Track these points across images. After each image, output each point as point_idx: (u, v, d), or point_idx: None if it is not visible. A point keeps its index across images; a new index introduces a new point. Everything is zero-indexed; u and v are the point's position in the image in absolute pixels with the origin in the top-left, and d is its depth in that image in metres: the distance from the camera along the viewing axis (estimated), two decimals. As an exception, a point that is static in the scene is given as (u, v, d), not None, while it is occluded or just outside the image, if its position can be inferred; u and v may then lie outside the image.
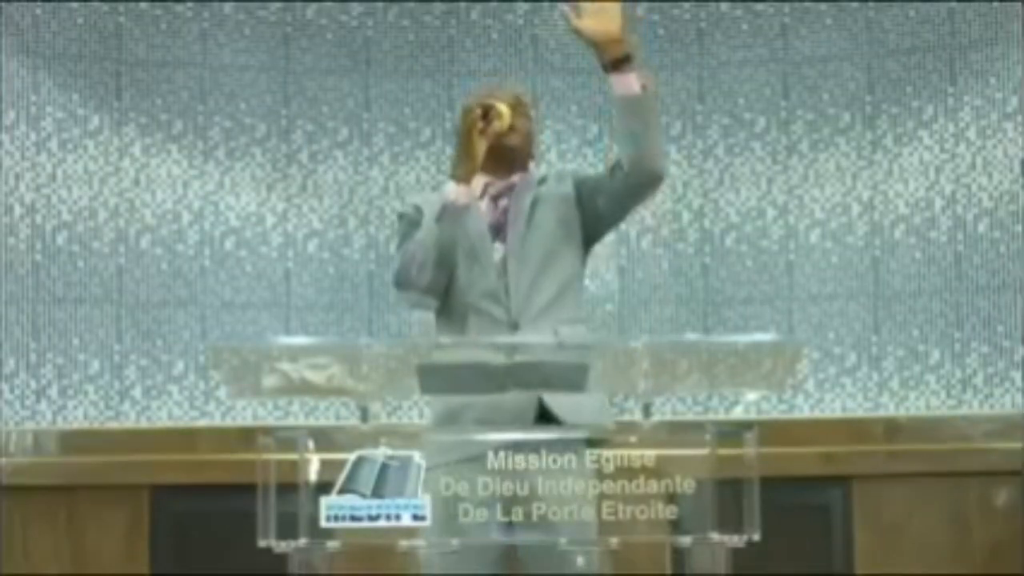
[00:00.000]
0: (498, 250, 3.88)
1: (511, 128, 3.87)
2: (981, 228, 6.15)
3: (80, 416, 6.13)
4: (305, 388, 3.08)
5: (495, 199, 3.94)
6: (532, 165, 4.04)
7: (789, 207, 6.39)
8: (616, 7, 3.77)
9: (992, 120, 6.13)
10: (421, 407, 5.81)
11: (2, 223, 6.12)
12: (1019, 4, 6.08)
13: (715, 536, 2.95)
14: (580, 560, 3.56)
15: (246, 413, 6.26)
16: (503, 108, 3.83)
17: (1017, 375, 6.02)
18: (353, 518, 2.97)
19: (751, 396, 5.52)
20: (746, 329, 6.23)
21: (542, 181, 3.98)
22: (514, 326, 3.79)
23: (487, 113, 3.80)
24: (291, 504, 2.95)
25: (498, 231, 3.89)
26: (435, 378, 3.28)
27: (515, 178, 3.95)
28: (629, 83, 3.78)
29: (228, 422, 6.20)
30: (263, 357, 3.08)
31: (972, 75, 6.19)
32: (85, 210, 6.23)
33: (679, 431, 3.06)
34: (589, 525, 3.03)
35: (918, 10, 6.26)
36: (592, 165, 6.45)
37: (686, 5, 6.47)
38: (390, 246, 6.35)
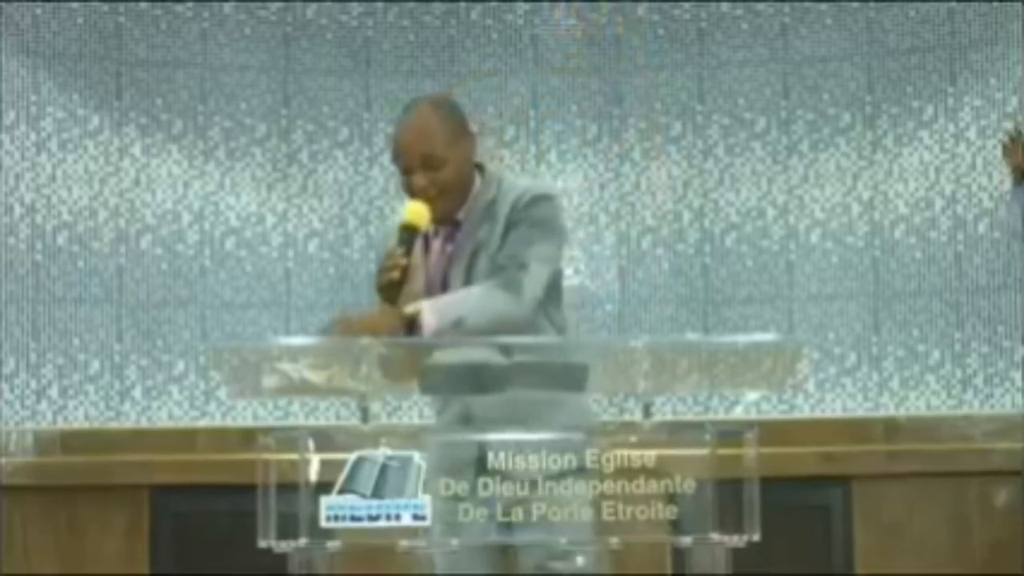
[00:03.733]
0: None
1: (425, 199, 3.59)
2: (981, 228, 6.15)
3: (80, 416, 6.13)
4: (305, 388, 3.07)
5: (446, 241, 3.71)
6: (477, 182, 3.71)
7: (789, 207, 6.39)
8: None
9: (992, 120, 6.14)
10: (421, 407, 5.81)
11: (2, 223, 6.12)
12: (1019, 4, 6.09)
13: (715, 536, 2.95)
14: (580, 560, 3.56)
15: (246, 413, 6.26)
16: (413, 217, 3.54)
17: (1017, 375, 6.02)
18: (353, 518, 2.97)
19: (751, 396, 5.53)
20: (746, 329, 6.23)
21: (489, 210, 3.68)
22: None
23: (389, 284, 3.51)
24: (291, 504, 2.95)
25: (445, 282, 3.69)
26: (435, 378, 3.28)
27: (460, 214, 3.69)
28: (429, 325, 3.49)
29: (228, 422, 6.20)
30: (263, 357, 3.08)
31: (972, 75, 6.20)
32: (85, 210, 6.23)
33: (679, 431, 3.06)
34: (589, 525, 3.03)
35: (918, 10, 6.27)
36: (592, 165, 6.45)
37: (686, 5, 6.47)
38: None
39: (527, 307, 3.55)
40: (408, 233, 3.53)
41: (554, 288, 3.67)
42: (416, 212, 3.56)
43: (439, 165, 3.61)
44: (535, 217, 3.65)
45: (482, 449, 3.06)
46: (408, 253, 3.50)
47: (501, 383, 3.31)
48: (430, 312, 3.44)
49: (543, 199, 3.68)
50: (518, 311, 3.53)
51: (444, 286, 3.67)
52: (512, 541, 3.18)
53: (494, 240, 3.65)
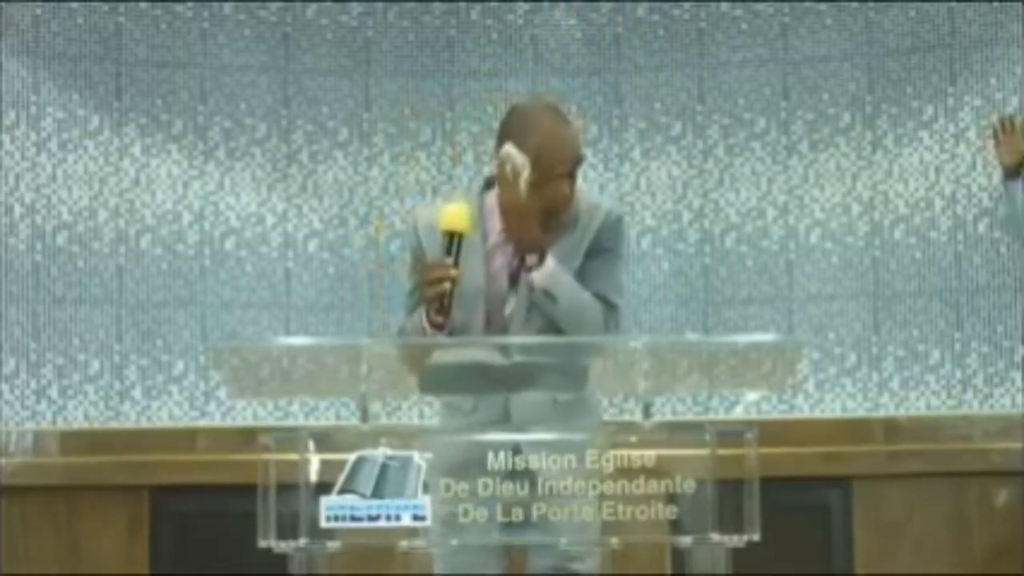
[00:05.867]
0: (509, 302, 3.67)
1: (562, 211, 3.62)
2: (981, 228, 6.15)
3: (80, 416, 6.13)
4: (305, 388, 3.07)
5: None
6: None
7: (789, 207, 6.39)
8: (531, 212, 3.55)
9: (992, 120, 6.13)
10: (421, 407, 5.81)
11: (2, 223, 6.12)
12: (1019, 4, 6.09)
13: (715, 536, 2.95)
14: (596, 561, 3.56)
15: (246, 413, 6.26)
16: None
17: (1017, 375, 6.02)
18: (353, 518, 2.97)
19: (751, 396, 5.53)
20: (746, 329, 6.23)
21: (567, 220, 3.68)
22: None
23: (441, 302, 3.49)
24: (291, 504, 2.95)
25: (514, 280, 3.66)
26: (435, 378, 3.28)
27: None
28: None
29: (228, 422, 6.20)
30: (263, 357, 3.08)
31: (972, 75, 6.19)
32: (85, 210, 6.23)
33: (679, 431, 3.06)
34: (589, 525, 3.03)
35: (918, 10, 6.27)
36: (592, 165, 6.45)
37: (686, 5, 6.47)
38: (391, 246, 6.35)
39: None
40: (453, 239, 3.50)
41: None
42: (458, 217, 3.51)
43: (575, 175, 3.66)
44: (619, 245, 3.73)
45: (495, 449, 3.06)
46: (456, 262, 3.48)
47: (500, 383, 3.31)
48: (548, 269, 3.54)
49: (623, 222, 3.77)
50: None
51: (512, 283, 3.65)
52: (514, 542, 3.18)
53: (574, 254, 3.64)
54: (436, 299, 3.47)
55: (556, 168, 3.59)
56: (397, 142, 6.50)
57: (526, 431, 3.14)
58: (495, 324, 3.65)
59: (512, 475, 3.01)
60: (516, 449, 3.03)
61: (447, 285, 3.46)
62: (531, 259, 3.57)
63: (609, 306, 3.64)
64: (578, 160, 3.66)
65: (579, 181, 3.70)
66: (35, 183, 6.19)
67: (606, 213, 3.70)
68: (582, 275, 3.64)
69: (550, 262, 3.57)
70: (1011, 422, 5.82)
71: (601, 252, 3.67)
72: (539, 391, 3.47)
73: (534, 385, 3.34)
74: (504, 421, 3.48)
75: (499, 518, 3.01)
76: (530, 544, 3.37)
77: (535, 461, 3.00)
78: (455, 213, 3.51)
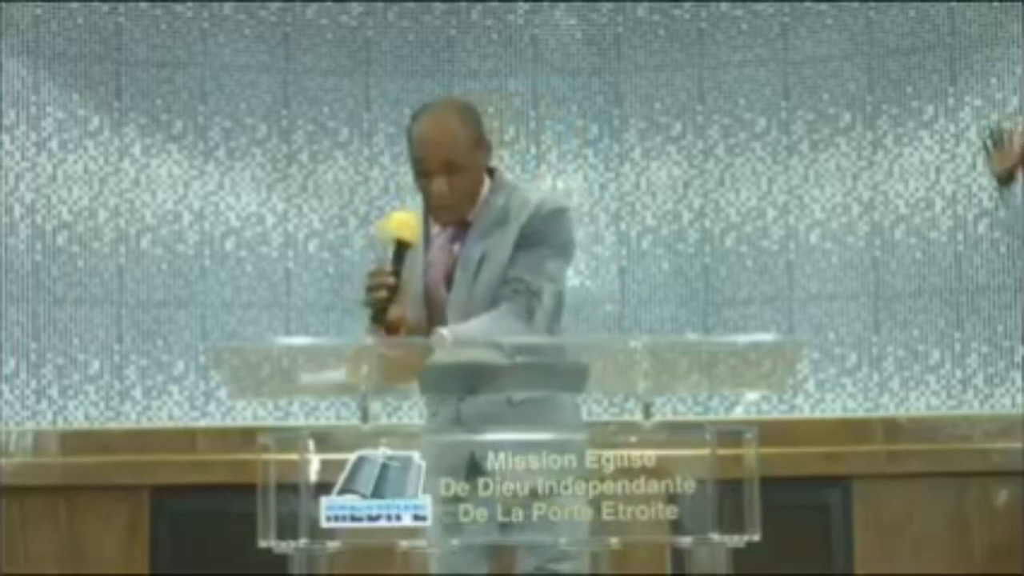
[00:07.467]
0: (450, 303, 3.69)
1: (440, 208, 3.63)
2: (981, 228, 6.15)
3: (80, 416, 6.14)
4: (305, 388, 3.07)
5: (452, 241, 3.71)
6: (486, 185, 3.69)
7: (789, 207, 6.39)
8: None
9: (992, 120, 6.13)
10: (421, 407, 5.80)
11: (2, 223, 6.12)
12: (1019, 4, 6.09)
13: (715, 536, 2.95)
14: (578, 562, 3.56)
15: (246, 413, 6.26)
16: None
17: (1017, 375, 6.02)
18: (353, 518, 2.97)
19: (751, 396, 5.53)
20: (746, 329, 6.23)
21: (500, 217, 3.65)
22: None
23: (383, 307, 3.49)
24: (291, 504, 2.95)
25: (449, 281, 3.70)
26: (435, 378, 3.28)
27: (470, 216, 3.68)
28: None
29: (228, 422, 6.20)
30: (263, 357, 3.08)
31: (972, 75, 6.20)
32: (85, 210, 6.23)
33: (679, 431, 3.06)
34: (585, 526, 3.03)
35: (918, 10, 6.27)
36: (592, 165, 6.45)
37: (686, 5, 6.47)
38: (389, 248, 6.35)
39: (538, 334, 3.57)
40: (402, 249, 3.53)
41: (558, 305, 3.70)
42: (407, 227, 3.54)
43: (459, 171, 3.59)
44: (549, 234, 3.66)
45: (472, 451, 3.05)
46: (398, 272, 3.50)
47: (500, 384, 3.31)
48: (451, 340, 3.45)
49: (559, 213, 3.70)
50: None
51: (448, 286, 3.68)
52: (504, 542, 3.18)
53: (504, 248, 3.64)
54: (372, 306, 3.49)
55: (420, 165, 3.60)
56: (397, 142, 6.50)
57: (480, 432, 3.13)
58: (438, 325, 3.66)
59: (491, 476, 3.00)
60: (490, 450, 3.03)
61: (383, 293, 3.47)
62: (436, 338, 3.51)
63: (529, 292, 3.61)
64: (445, 157, 3.58)
65: (509, 176, 3.75)
66: (35, 183, 6.19)
67: (535, 206, 3.67)
68: (509, 265, 3.63)
69: (447, 333, 3.51)
70: (1011, 422, 5.82)
71: (530, 244, 3.64)
72: (538, 392, 3.48)
73: (533, 386, 3.34)
74: (457, 424, 3.50)
75: (485, 520, 3.01)
76: (513, 545, 3.38)
77: (513, 462, 3.00)
78: (405, 223, 3.54)
